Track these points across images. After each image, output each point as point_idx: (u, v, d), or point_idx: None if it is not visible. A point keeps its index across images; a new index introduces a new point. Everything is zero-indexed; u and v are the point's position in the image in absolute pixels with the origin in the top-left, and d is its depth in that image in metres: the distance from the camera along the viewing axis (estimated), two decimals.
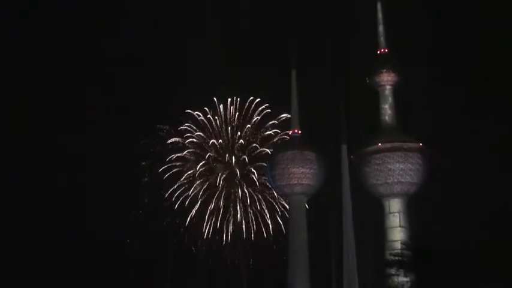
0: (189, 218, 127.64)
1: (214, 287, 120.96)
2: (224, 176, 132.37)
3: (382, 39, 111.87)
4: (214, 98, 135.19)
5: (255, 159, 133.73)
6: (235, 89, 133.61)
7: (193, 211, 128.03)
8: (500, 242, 54.74)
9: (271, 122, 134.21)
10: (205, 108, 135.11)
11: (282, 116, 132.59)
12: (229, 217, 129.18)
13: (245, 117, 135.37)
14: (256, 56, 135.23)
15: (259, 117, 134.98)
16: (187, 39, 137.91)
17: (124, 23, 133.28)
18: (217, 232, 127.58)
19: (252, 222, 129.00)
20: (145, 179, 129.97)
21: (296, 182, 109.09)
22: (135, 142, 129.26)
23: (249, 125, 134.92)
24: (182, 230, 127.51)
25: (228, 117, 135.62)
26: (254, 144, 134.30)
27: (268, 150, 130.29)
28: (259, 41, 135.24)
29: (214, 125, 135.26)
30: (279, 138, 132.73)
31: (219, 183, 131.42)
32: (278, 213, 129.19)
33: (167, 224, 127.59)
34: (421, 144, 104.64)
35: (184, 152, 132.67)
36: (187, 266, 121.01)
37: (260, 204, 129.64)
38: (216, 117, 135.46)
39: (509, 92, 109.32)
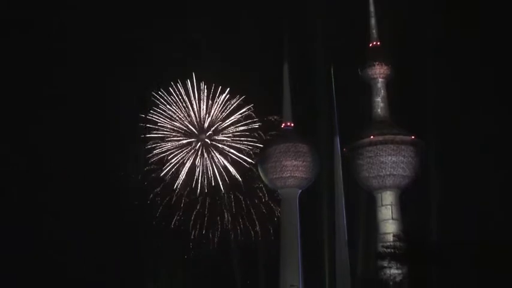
0: (173, 221, 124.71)
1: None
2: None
3: (374, 31, 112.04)
4: (194, 99, 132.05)
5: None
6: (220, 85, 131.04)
7: (178, 214, 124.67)
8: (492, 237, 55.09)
9: (256, 125, 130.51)
10: (187, 106, 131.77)
11: (269, 117, 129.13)
12: (217, 219, 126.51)
13: (229, 117, 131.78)
14: (246, 51, 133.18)
15: (242, 117, 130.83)
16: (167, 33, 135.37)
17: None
18: (204, 236, 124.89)
19: (239, 224, 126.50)
20: (131, 182, 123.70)
21: (289, 174, 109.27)
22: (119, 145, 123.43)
23: (232, 127, 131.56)
24: (170, 229, 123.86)
25: (212, 117, 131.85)
26: (238, 146, 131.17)
27: (251, 152, 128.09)
28: (250, 36, 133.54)
29: (197, 126, 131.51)
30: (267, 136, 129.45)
31: (203, 186, 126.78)
32: (266, 216, 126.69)
33: (156, 225, 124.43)
34: (413, 137, 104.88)
35: (167, 153, 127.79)
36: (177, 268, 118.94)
37: (247, 207, 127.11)
38: (198, 117, 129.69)
39: (504, 85, 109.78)
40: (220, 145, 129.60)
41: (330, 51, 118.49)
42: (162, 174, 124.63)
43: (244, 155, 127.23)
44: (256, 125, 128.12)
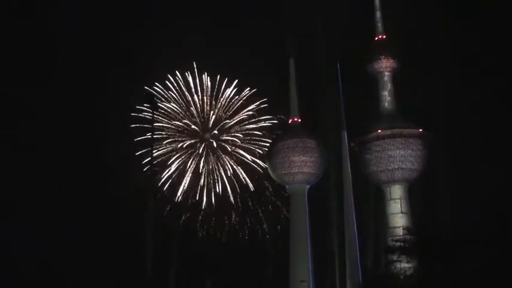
0: (181, 221, 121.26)
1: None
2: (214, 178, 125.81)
3: (379, 25, 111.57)
4: (196, 94, 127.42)
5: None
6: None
7: (185, 215, 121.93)
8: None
9: (269, 123, 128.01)
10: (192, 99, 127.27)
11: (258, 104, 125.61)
12: (224, 219, 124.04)
13: (235, 114, 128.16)
14: (252, 48, 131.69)
15: (248, 116, 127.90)
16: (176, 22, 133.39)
17: None
18: (211, 234, 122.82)
19: (247, 223, 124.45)
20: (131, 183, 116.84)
21: (297, 170, 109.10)
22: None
23: (238, 126, 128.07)
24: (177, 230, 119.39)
25: (216, 114, 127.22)
26: (248, 147, 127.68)
27: (259, 151, 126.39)
28: (255, 33, 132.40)
29: (201, 124, 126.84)
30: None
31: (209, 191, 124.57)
32: (275, 215, 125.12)
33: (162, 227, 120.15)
34: (421, 130, 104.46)
35: (168, 155, 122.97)
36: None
37: (254, 207, 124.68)
38: (200, 115, 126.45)
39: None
40: (228, 147, 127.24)
41: (335, 45, 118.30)
42: (161, 183, 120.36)
43: (255, 157, 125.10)
44: (269, 123, 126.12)
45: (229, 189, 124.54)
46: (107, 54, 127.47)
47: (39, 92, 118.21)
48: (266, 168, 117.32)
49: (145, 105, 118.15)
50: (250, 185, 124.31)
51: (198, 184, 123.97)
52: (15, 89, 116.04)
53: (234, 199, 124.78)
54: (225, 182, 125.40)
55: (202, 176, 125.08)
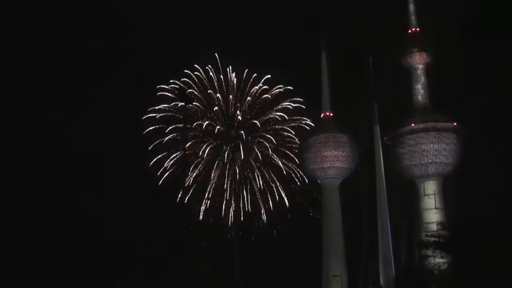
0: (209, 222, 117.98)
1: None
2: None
3: (413, 17, 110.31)
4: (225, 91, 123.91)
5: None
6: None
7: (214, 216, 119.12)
8: None
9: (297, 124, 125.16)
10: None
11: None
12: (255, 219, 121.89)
13: (261, 114, 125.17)
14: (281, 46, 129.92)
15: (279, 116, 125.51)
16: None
17: None
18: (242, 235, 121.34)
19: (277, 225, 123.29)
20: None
21: (329, 165, 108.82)
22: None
23: (264, 127, 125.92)
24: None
25: (243, 113, 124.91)
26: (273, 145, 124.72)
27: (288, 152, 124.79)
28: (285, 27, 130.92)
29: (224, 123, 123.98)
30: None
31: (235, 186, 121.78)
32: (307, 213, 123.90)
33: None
34: (455, 123, 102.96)
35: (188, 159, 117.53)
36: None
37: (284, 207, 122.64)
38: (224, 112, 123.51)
39: None
40: (256, 149, 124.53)
41: (368, 38, 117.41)
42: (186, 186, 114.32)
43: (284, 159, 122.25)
44: (300, 124, 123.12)
45: (257, 191, 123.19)
46: (108, 53, 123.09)
47: (40, 93, 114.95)
48: (295, 170, 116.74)
49: (158, 107, 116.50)
50: (283, 193, 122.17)
51: (224, 189, 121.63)
52: (15, 90, 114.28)
53: (263, 203, 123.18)
54: (253, 186, 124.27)
55: (229, 179, 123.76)
